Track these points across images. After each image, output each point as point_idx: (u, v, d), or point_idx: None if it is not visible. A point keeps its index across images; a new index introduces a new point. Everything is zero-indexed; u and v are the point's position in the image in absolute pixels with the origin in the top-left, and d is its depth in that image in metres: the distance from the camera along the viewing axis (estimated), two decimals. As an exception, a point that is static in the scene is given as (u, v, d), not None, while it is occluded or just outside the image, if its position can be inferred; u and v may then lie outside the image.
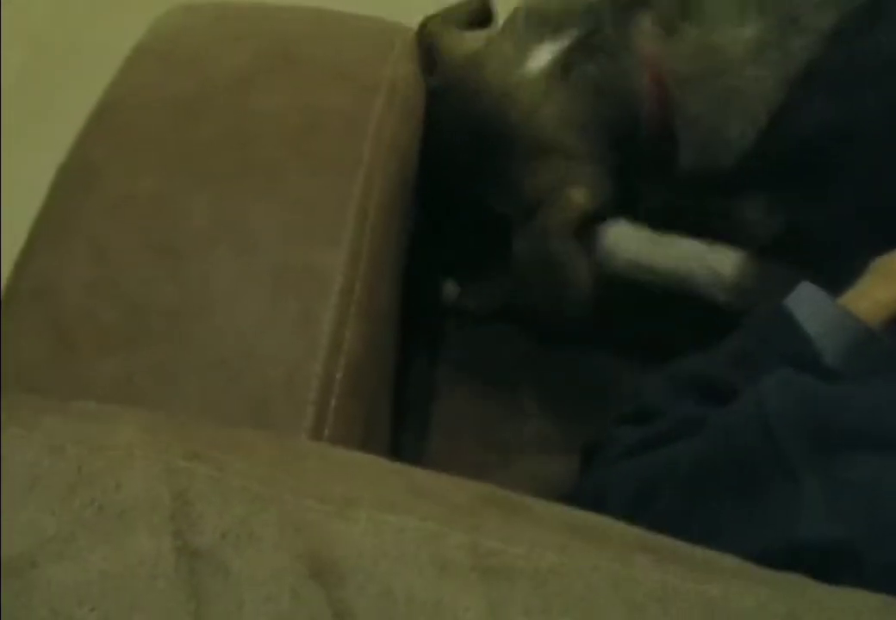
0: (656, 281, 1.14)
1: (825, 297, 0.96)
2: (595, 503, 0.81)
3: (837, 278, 0.94)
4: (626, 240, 1.14)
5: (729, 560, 0.52)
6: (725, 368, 0.93)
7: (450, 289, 1.18)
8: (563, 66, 1.05)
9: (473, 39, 1.12)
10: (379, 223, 0.94)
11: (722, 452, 0.75)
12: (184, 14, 1.08)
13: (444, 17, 1.14)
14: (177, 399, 0.78)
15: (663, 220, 1.11)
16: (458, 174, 1.10)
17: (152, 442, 0.44)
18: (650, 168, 1.07)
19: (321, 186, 0.94)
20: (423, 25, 1.14)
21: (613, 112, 1.05)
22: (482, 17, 1.16)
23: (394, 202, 0.98)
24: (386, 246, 0.95)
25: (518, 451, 1.03)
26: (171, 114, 0.98)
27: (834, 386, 0.79)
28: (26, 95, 1.89)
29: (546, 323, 1.09)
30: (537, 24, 1.08)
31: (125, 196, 0.90)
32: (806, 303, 0.96)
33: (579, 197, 1.04)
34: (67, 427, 0.44)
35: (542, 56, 1.06)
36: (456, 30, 1.12)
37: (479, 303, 1.16)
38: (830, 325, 0.94)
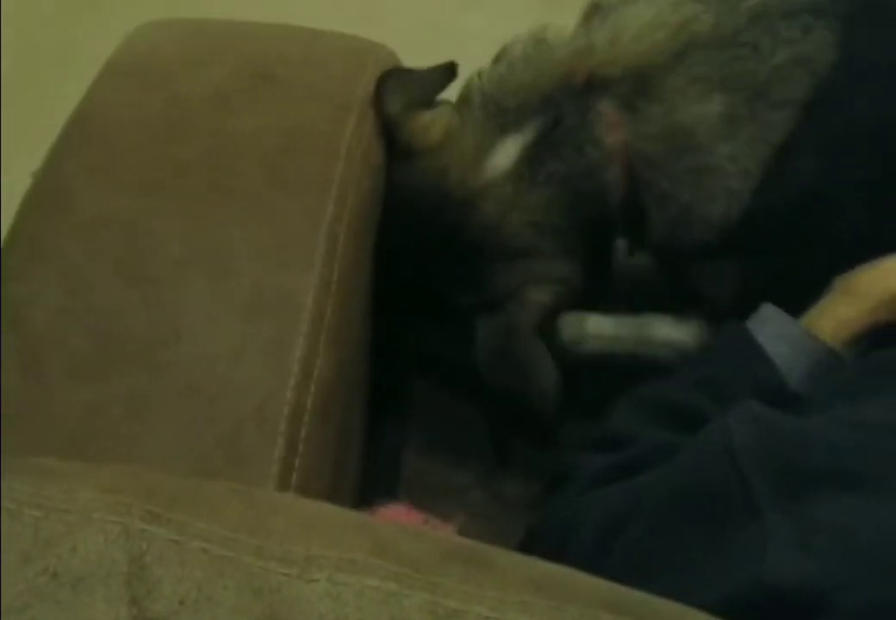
0: (620, 361, 1.13)
1: (788, 319, 0.96)
2: (565, 534, 0.81)
3: None
4: (591, 328, 1.13)
5: (700, 617, 0.52)
6: (691, 393, 0.93)
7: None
8: (529, 165, 1.02)
9: (432, 127, 1.06)
10: (350, 246, 0.94)
11: (689, 488, 0.75)
12: (156, 31, 1.07)
13: (404, 89, 1.08)
14: (147, 429, 0.78)
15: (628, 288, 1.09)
16: (416, 272, 1.07)
17: (112, 504, 0.44)
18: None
19: (295, 208, 0.94)
20: (383, 99, 1.07)
21: (585, 207, 1.02)
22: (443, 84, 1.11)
23: (365, 223, 0.99)
24: (357, 270, 0.95)
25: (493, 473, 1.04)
26: (145, 134, 0.98)
27: (798, 418, 0.79)
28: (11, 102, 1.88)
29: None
30: (496, 114, 1.04)
31: (98, 219, 0.90)
32: (769, 325, 0.96)
33: (545, 295, 1.02)
34: (25, 488, 0.44)
35: (506, 154, 1.02)
36: (414, 114, 1.06)
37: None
38: (794, 348, 0.95)
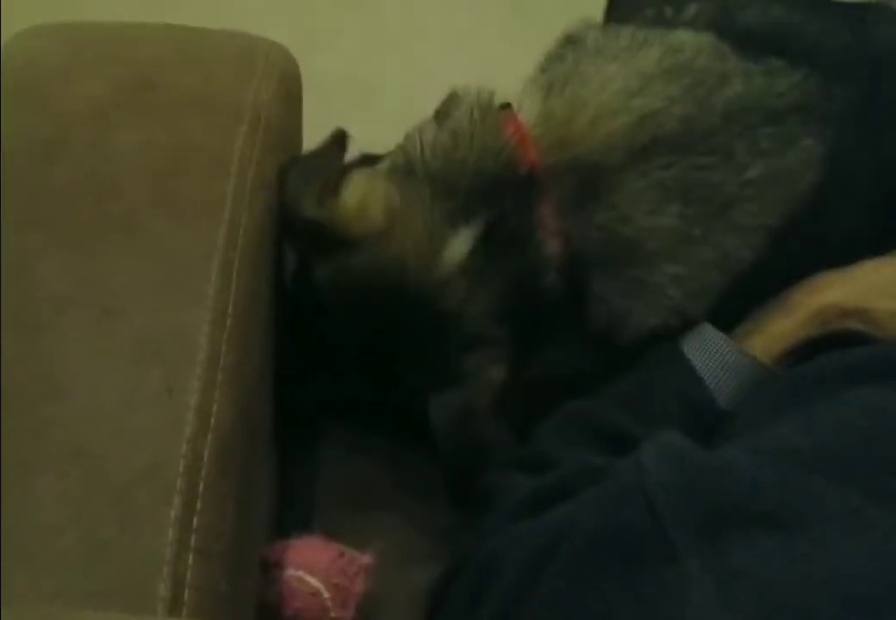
0: None
1: (719, 336, 0.94)
2: (488, 572, 0.79)
3: None
4: None
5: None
6: (617, 411, 0.91)
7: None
8: (481, 259, 0.96)
9: (368, 210, 0.99)
10: (245, 274, 0.90)
11: (605, 531, 0.73)
12: (33, 39, 1.01)
13: (309, 179, 1.00)
14: (34, 498, 0.74)
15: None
16: (366, 354, 1.02)
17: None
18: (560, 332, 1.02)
19: (184, 235, 0.90)
20: (294, 201, 1.00)
21: (530, 301, 0.97)
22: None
23: (261, 245, 0.94)
24: (254, 299, 0.91)
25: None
26: (22, 158, 0.92)
27: (715, 452, 0.77)
28: None
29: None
30: (444, 197, 0.97)
31: (-28, 258, 0.85)
32: (699, 342, 0.94)
33: (500, 374, 0.98)
34: None
35: (460, 246, 0.96)
36: (337, 202, 0.98)
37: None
38: (724, 364, 0.93)
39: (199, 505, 0.77)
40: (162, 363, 0.82)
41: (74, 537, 0.74)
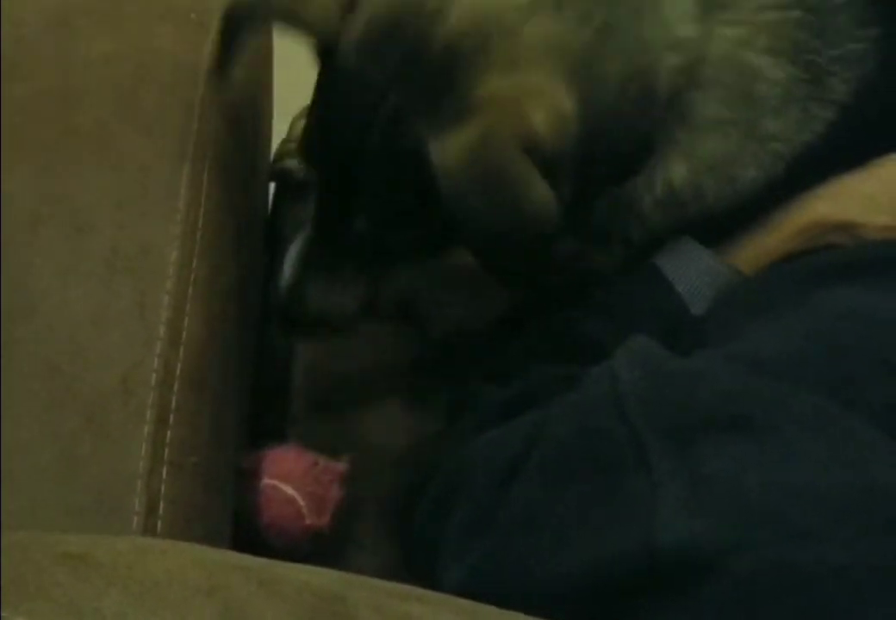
0: None
1: (696, 247, 0.93)
2: (458, 480, 0.80)
3: None
4: None
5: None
6: (589, 322, 0.91)
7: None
8: None
9: None
10: (216, 185, 0.89)
11: (579, 436, 0.73)
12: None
13: None
14: (8, 416, 0.74)
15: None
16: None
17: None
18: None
19: (153, 148, 0.88)
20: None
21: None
22: None
23: (232, 156, 0.93)
24: (225, 210, 0.89)
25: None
26: (-15, 71, 0.90)
27: (688, 359, 0.77)
28: None
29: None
30: None
31: (-63, 179, 0.84)
32: (675, 252, 0.93)
33: (539, 117, 0.80)
34: None
35: None
36: None
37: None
38: (700, 271, 0.92)
39: (171, 420, 0.77)
40: (133, 278, 0.82)
41: (48, 454, 0.74)
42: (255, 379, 1.00)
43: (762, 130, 0.88)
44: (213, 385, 0.83)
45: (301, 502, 0.90)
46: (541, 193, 0.79)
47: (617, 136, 0.86)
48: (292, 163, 1.17)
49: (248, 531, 0.89)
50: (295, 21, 0.88)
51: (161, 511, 0.74)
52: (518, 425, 0.79)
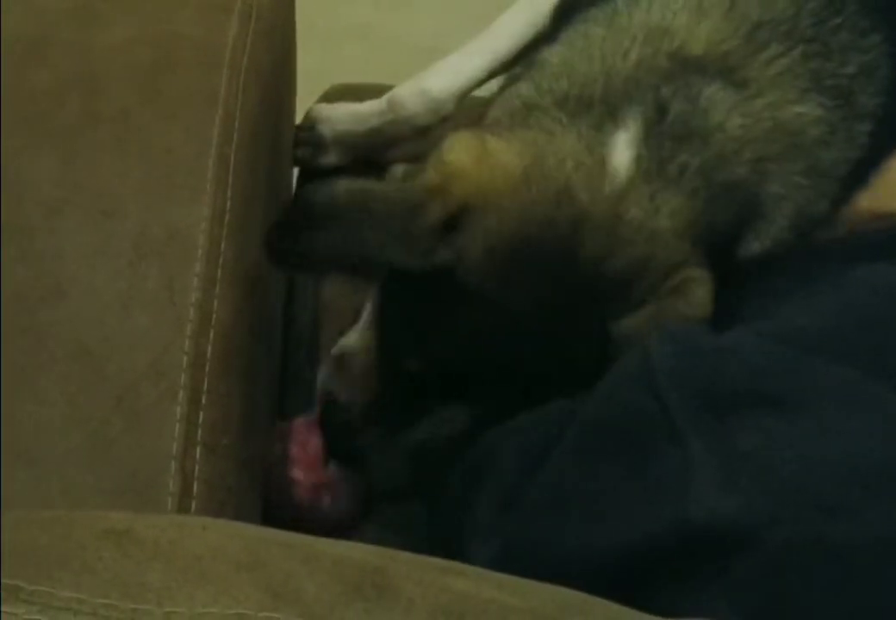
0: None
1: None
2: (487, 460, 0.79)
3: None
4: None
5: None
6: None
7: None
8: (654, 162, 0.83)
9: (506, 156, 0.84)
10: (242, 169, 0.89)
11: (610, 414, 0.73)
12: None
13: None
14: (38, 399, 0.75)
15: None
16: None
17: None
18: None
19: (178, 132, 0.89)
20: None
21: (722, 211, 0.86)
22: None
23: (257, 138, 0.93)
24: (252, 194, 0.89)
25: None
26: (8, 59, 0.90)
27: (720, 335, 0.77)
28: None
29: None
30: (580, 111, 0.85)
31: (-38, 162, 0.84)
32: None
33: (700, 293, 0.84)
34: None
35: (621, 155, 0.83)
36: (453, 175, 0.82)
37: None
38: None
39: (203, 401, 0.77)
40: (161, 262, 0.82)
41: (80, 436, 0.74)
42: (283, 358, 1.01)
43: (822, 165, 0.88)
44: (244, 366, 0.83)
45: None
46: None
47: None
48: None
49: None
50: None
51: (195, 491, 0.74)
52: (549, 409, 0.79)
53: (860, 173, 0.90)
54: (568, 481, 0.73)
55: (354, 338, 0.92)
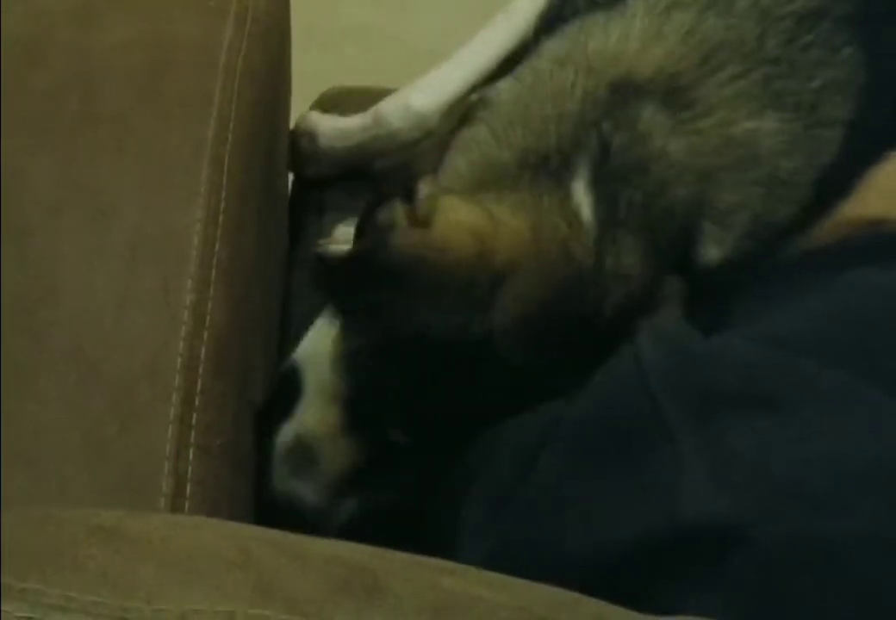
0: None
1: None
2: (484, 460, 0.80)
3: None
4: None
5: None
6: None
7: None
8: (610, 201, 0.85)
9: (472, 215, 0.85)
10: (237, 170, 0.89)
11: (602, 414, 0.74)
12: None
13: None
14: (34, 400, 0.75)
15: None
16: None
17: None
18: None
19: (173, 133, 0.89)
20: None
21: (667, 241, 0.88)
22: None
23: (252, 140, 0.93)
24: (246, 195, 0.90)
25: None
26: (7, 59, 0.91)
27: (712, 338, 0.77)
28: None
29: None
30: (539, 166, 0.87)
31: (-41, 163, 0.84)
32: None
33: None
34: None
35: (580, 201, 0.85)
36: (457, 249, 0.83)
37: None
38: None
39: (197, 402, 0.78)
40: (156, 262, 0.82)
41: (75, 437, 0.74)
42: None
43: (782, 174, 0.90)
44: (238, 367, 0.83)
45: None
46: None
47: None
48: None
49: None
50: None
51: (188, 492, 0.74)
52: (543, 410, 0.79)
53: (838, 178, 0.90)
54: (561, 479, 0.73)
55: (307, 421, 0.88)
